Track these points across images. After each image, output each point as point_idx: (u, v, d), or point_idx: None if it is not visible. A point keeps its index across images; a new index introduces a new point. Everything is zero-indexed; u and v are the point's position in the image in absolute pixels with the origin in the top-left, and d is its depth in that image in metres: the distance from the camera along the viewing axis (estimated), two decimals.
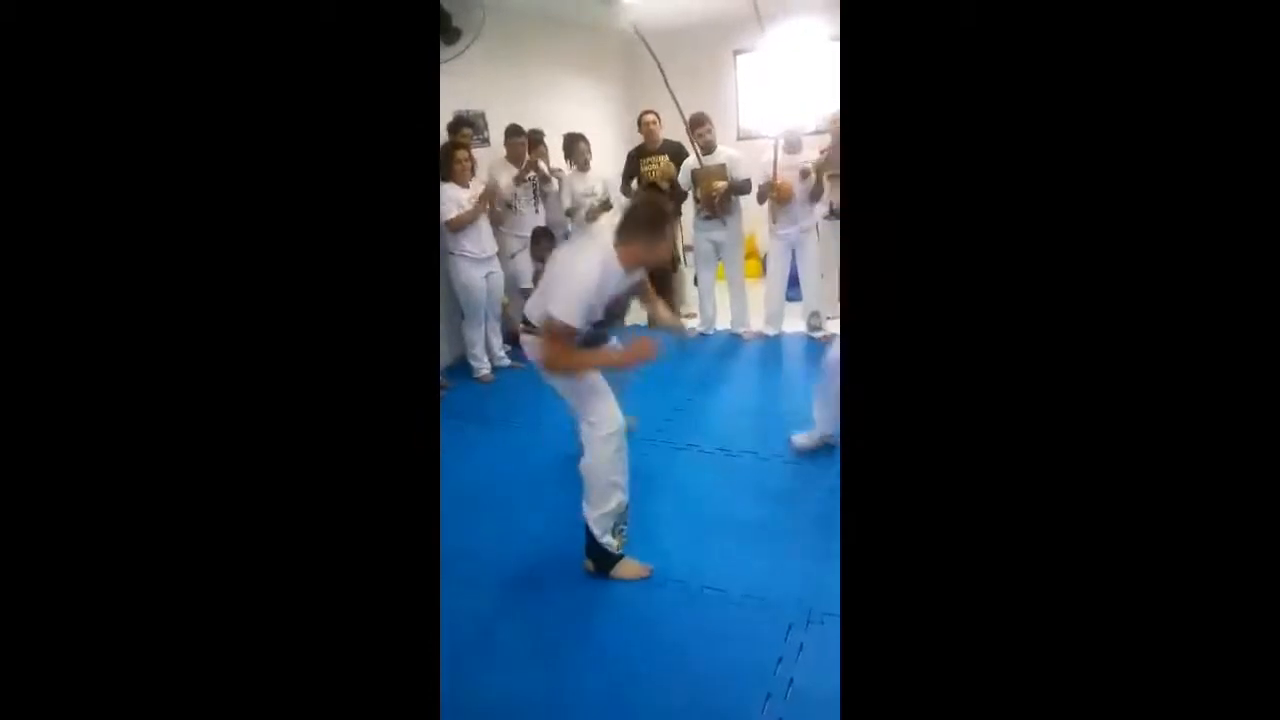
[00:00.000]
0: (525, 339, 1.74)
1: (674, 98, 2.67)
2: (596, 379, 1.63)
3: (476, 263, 3.07)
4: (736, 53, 5.02)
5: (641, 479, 2.13)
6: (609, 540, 1.64)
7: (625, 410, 1.69)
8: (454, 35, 3.25)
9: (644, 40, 2.69)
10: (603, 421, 1.61)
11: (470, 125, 3.48)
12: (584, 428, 1.63)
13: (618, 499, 1.63)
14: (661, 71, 2.61)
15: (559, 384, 1.65)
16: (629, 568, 1.66)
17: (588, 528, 1.64)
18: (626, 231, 1.56)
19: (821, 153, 3.24)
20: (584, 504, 1.64)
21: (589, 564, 1.68)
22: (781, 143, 3.24)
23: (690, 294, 4.01)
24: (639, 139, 3.69)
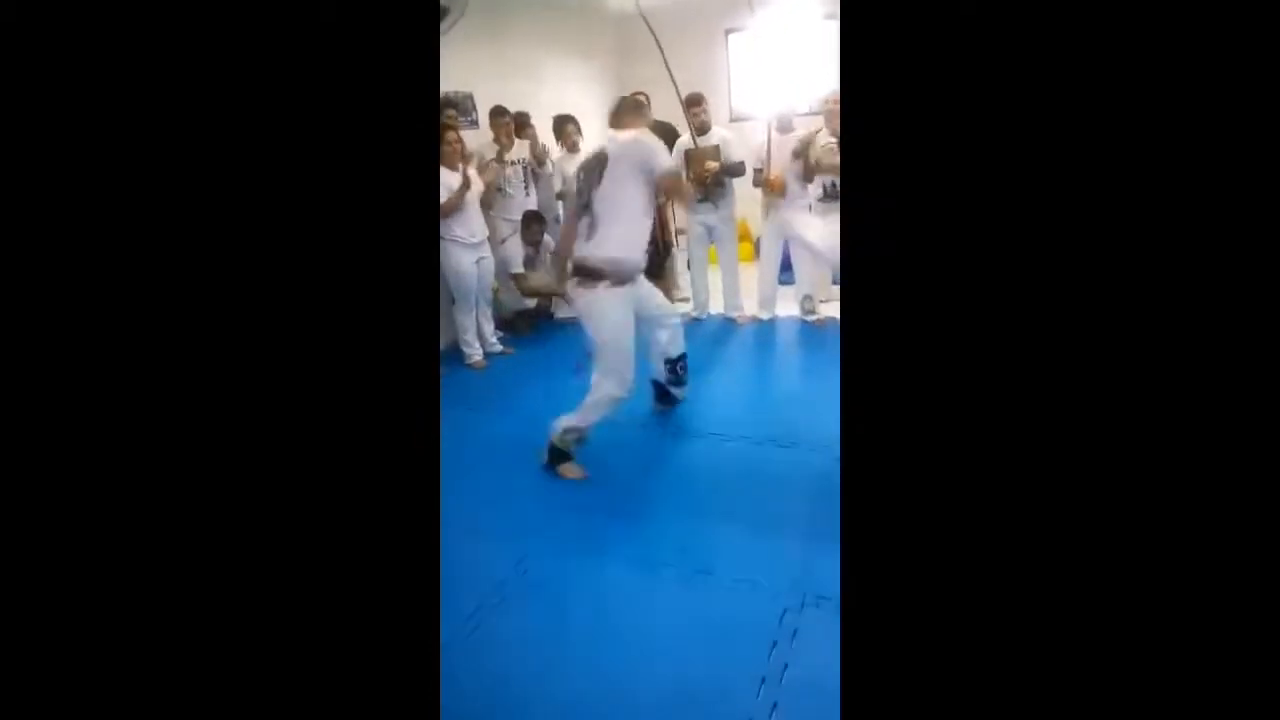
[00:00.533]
0: (578, 292, 1.92)
1: (672, 78, 2.63)
2: (627, 344, 1.94)
3: (467, 248, 3.03)
4: (728, 32, 4.95)
5: (635, 462, 2.14)
6: (562, 438, 2.00)
7: None
8: (441, 14, 3.18)
9: (644, 19, 2.64)
10: (614, 382, 1.92)
11: (455, 107, 3.42)
12: (595, 378, 1.94)
13: (588, 424, 2.00)
14: (661, 50, 2.56)
15: (596, 335, 1.91)
16: (570, 469, 2.04)
17: (552, 429, 2.02)
18: (623, 118, 2.04)
19: (816, 132, 3.21)
20: (563, 416, 2.00)
21: (544, 455, 2.06)
22: (774, 124, 3.20)
23: (683, 278, 3.99)
24: None
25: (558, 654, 1.38)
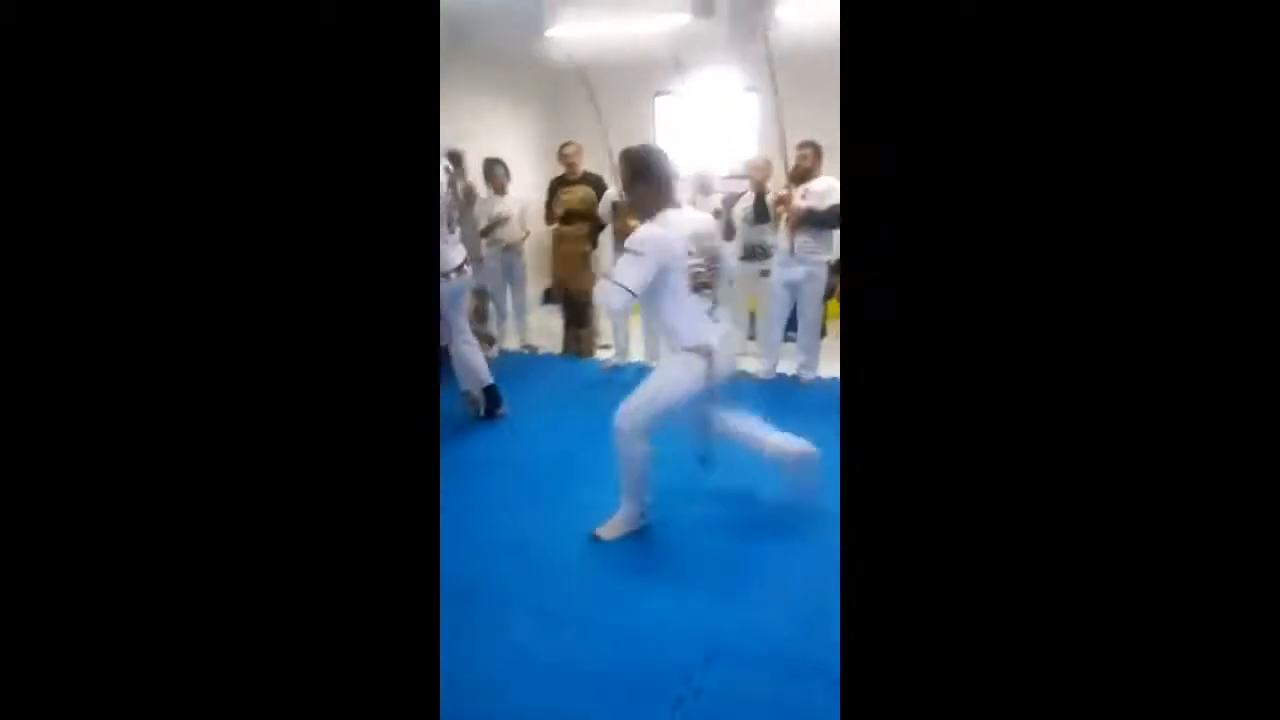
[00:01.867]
0: None
1: (604, 131, 2.73)
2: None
3: None
4: (657, 94, 5.19)
5: (541, 515, 2.09)
6: None
7: None
8: None
9: (582, 73, 2.74)
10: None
11: None
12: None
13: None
14: (596, 106, 2.67)
15: None
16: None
17: None
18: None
19: (740, 194, 3.38)
20: None
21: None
22: (696, 184, 3.35)
23: (605, 326, 4.02)
24: (559, 169, 3.70)
25: (450, 705, 1.29)
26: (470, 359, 2.72)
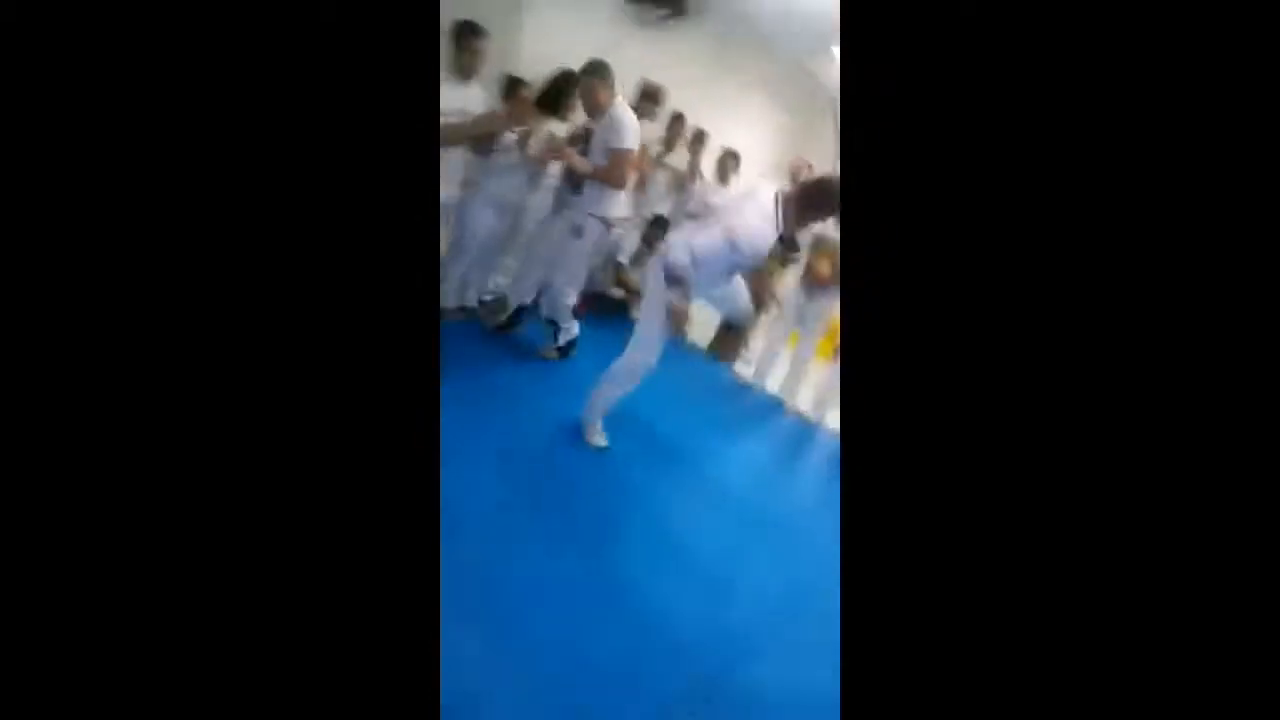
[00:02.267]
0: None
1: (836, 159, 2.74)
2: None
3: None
4: None
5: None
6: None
7: None
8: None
9: (836, 114, 2.74)
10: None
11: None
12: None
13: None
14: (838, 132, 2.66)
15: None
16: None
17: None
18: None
19: None
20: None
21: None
22: None
23: (756, 343, 4.02)
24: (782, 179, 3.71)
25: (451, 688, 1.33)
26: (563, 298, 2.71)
